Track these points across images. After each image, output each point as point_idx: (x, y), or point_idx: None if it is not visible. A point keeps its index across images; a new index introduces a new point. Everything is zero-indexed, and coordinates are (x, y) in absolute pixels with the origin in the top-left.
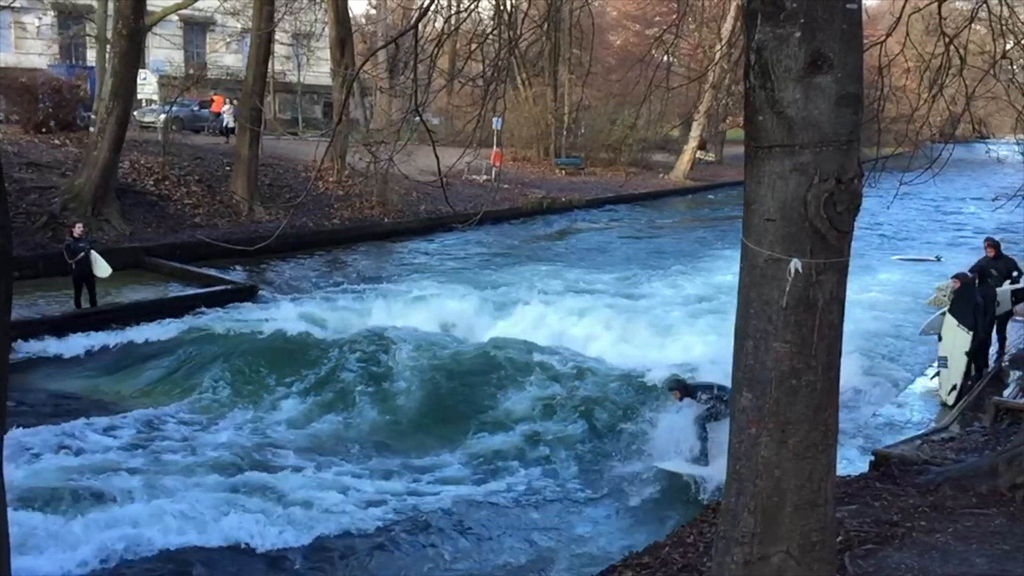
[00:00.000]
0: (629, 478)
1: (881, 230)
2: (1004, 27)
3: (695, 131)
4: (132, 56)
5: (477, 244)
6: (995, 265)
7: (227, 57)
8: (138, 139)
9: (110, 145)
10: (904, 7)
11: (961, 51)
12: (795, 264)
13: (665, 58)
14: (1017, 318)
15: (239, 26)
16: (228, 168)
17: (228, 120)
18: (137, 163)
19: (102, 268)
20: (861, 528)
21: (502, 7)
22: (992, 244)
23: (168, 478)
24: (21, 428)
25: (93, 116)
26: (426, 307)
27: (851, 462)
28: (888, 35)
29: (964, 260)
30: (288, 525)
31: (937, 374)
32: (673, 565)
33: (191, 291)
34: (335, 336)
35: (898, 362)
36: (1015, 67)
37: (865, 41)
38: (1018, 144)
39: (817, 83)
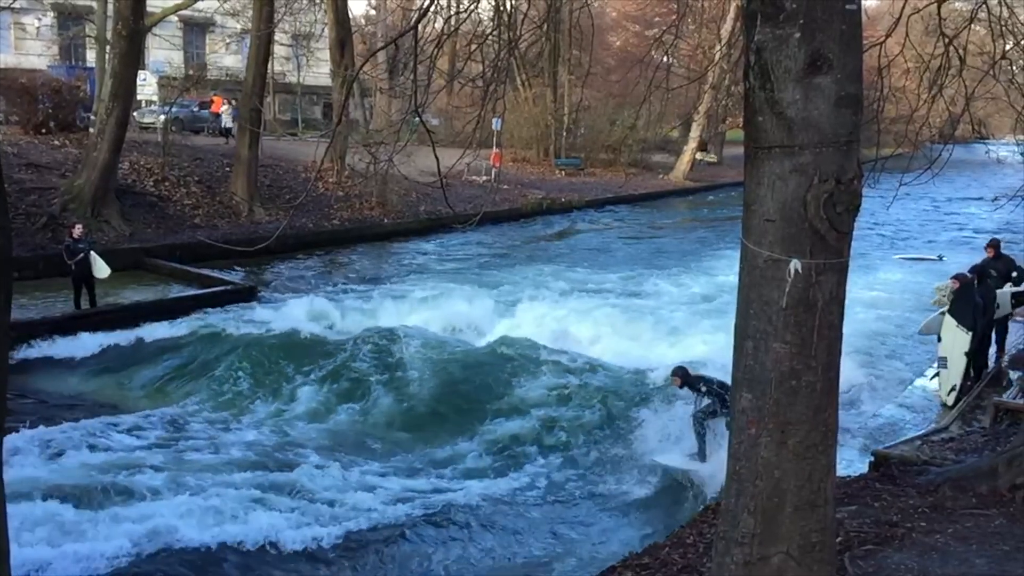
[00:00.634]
0: (630, 478)
1: (882, 230)
2: (1004, 28)
3: (695, 132)
4: (132, 57)
5: (477, 245)
6: (994, 265)
7: (227, 58)
8: (138, 140)
9: (110, 146)
10: (904, 8)
11: (961, 52)
12: (795, 265)
13: (665, 59)
14: (1017, 319)
15: (239, 27)
16: (228, 169)
17: (226, 120)
18: (137, 164)
19: (101, 269)
20: (861, 529)
21: (502, 8)
22: (992, 244)
23: (191, 475)
24: (31, 428)
25: (93, 117)
26: (428, 307)
27: (851, 462)
28: (888, 36)
29: (965, 260)
30: (306, 519)
31: (937, 375)
32: (673, 566)
33: (191, 292)
34: (337, 336)
35: (898, 362)
36: (1015, 68)
37: (865, 42)
38: (1018, 145)
39: (817, 84)
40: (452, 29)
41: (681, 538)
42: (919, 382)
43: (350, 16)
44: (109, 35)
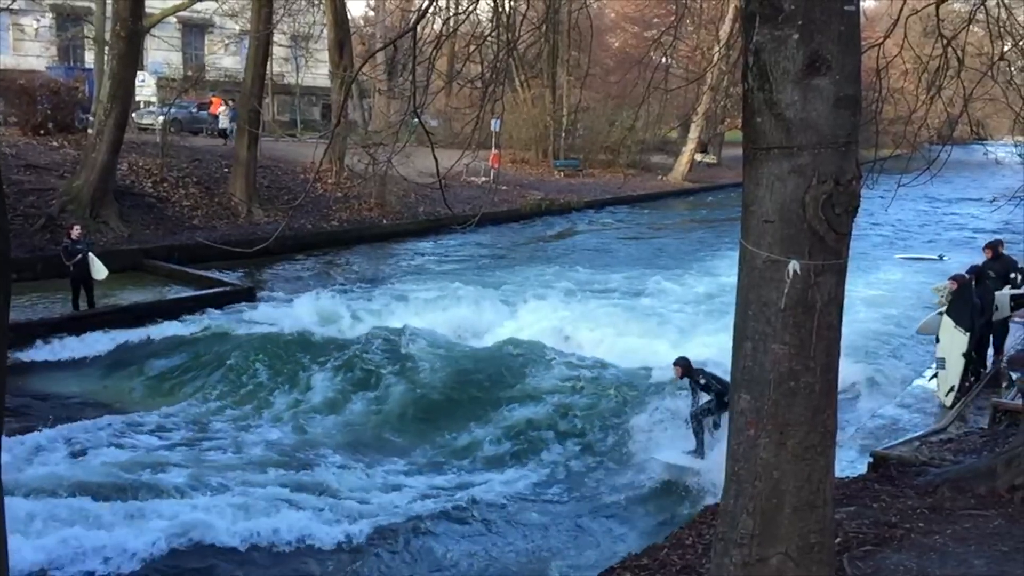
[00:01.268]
0: (629, 478)
1: (882, 230)
2: (1002, 29)
3: (693, 133)
4: (130, 58)
5: (476, 246)
6: (992, 266)
7: (225, 59)
8: (136, 141)
9: (108, 147)
10: (902, 9)
11: (959, 53)
12: (793, 265)
13: (663, 60)
14: (1016, 320)
15: (237, 28)
16: (226, 170)
17: (224, 121)
18: (135, 165)
19: (99, 270)
20: (860, 529)
21: (500, 9)
22: (990, 246)
23: (216, 473)
24: (50, 428)
25: (91, 118)
26: (430, 308)
27: (850, 463)
28: (886, 37)
29: (965, 260)
30: (333, 515)
31: (935, 375)
32: (672, 567)
33: (189, 293)
34: (340, 335)
35: (898, 362)
36: (1013, 69)
37: (863, 43)
38: (1016, 146)
39: (815, 85)
40: (451, 30)
41: (680, 539)
42: (918, 382)
43: (349, 17)
44: (108, 36)
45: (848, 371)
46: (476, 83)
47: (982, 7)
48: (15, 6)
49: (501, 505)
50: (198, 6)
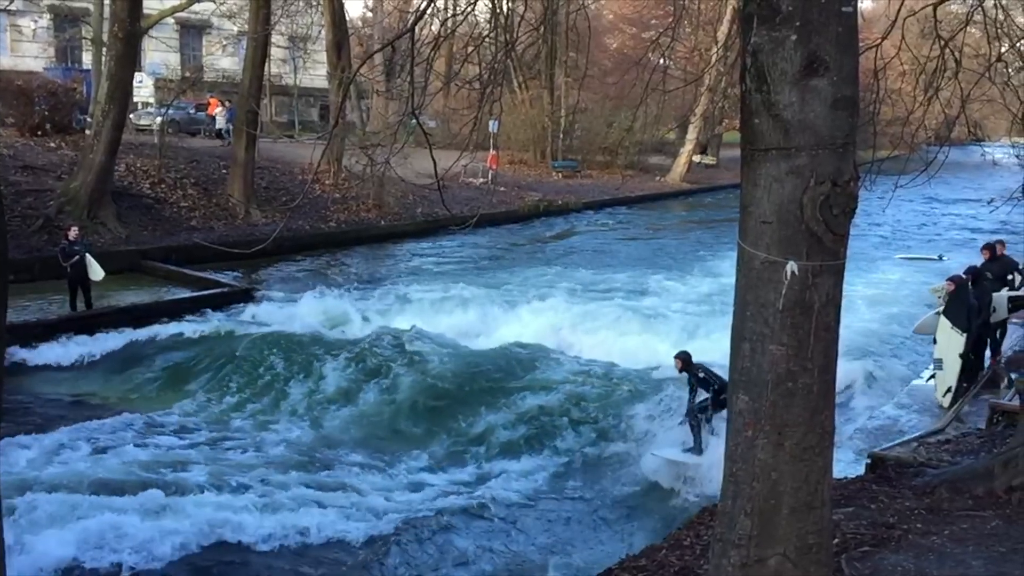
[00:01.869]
0: (629, 477)
1: (881, 230)
2: (999, 30)
3: (691, 134)
4: (128, 59)
5: (474, 247)
6: (990, 268)
7: (223, 60)
8: (134, 142)
9: (106, 148)
10: (900, 10)
11: (956, 54)
12: (791, 266)
13: (661, 61)
14: (1014, 321)
15: (235, 29)
16: (224, 171)
17: (220, 122)
18: (133, 166)
19: (95, 272)
20: (857, 530)
21: (498, 10)
22: (988, 247)
23: (236, 471)
24: (61, 428)
25: (89, 119)
26: (430, 308)
27: (848, 464)
28: (884, 38)
29: (965, 260)
30: (353, 511)
31: (933, 376)
32: (670, 568)
33: (187, 294)
34: (343, 335)
35: (897, 362)
36: (1010, 70)
37: (861, 44)
38: (1013, 146)
39: (813, 86)
40: (449, 31)
41: (678, 540)
42: (915, 383)
43: (347, 18)
44: (105, 37)
45: (846, 371)
46: (474, 84)
47: (980, 8)
48: (13, 7)
49: (498, 508)
50: (196, 7)
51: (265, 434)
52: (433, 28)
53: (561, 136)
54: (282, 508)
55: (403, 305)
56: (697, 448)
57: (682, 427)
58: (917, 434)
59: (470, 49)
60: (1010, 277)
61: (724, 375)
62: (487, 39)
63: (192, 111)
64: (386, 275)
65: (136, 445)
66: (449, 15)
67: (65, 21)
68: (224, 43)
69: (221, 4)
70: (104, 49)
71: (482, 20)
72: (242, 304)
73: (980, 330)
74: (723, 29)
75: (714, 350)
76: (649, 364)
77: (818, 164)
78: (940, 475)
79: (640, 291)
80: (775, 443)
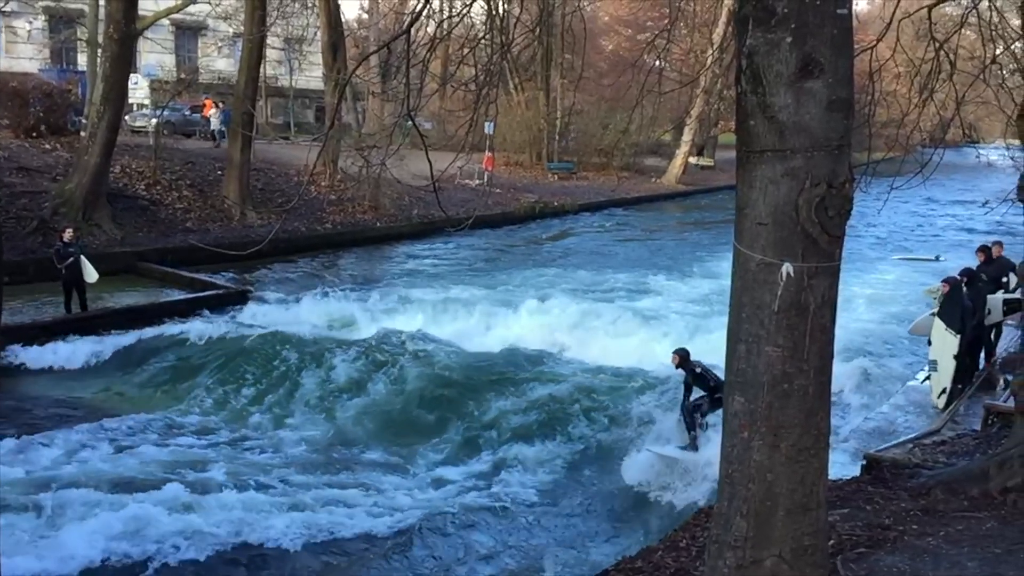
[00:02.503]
0: (627, 477)
1: (877, 231)
2: (994, 32)
3: (687, 135)
4: (123, 60)
5: (470, 248)
6: (985, 269)
7: (219, 61)
8: (129, 143)
9: (101, 150)
10: (895, 12)
11: (951, 56)
12: (787, 268)
13: (657, 63)
14: (1009, 323)
15: (231, 30)
16: (220, 172)
17: (215, 123)
18: (128, 167)
19: (89, 274)
20: (853, 532)
21: (494, 12)
22: (983, 249)
23: (254, 471)
24: (62, 429)
25: (84, 120)
26: (429, 308)
27: (843, 465)
28: (879, 40)
29: (962, 261)
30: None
31: (928, 377)
32: (666, 569)
33: (182, 295)
34: (345, 334)
35: (891, 364)
36: (1005, 72)
37: (856, 46)
38: (1007, 148)
39: (808, 88)
40: (445, 33)
41: (674, 541)
42: (911, 385)
43: (342, 20)
44: (101, 38)
45: (842, 372)
46: (470, 86)
47: (974, 11)
48: (7, 8)
49: (495, 509)
50: (191, 9)
51: (282, 432)
52: (429, 30)
53: (557, 138)
54: (306, 507)
55: (404, 306)
56: (692, 445)
57: (679, 424)
58: (913, 435)
59: (466, 51)
60: (1004, 279)
61: (722, 375)
62: (483, 41)
63: (187, 112)
64: (383, 276)
65: (156, 445)
66: (445, 17)
67: (60, 22)
68: (220, 45)
69: (217, 6)
70: (99, 50)
71: (478, 22)
72: (239, 305)
73: (974, 331)
74: (719, 31)
75: (714, 350)
76: (649, 364)
77: (813, 166)
78: (936, 476)
79: (640, 291)
80: (771, 445)
